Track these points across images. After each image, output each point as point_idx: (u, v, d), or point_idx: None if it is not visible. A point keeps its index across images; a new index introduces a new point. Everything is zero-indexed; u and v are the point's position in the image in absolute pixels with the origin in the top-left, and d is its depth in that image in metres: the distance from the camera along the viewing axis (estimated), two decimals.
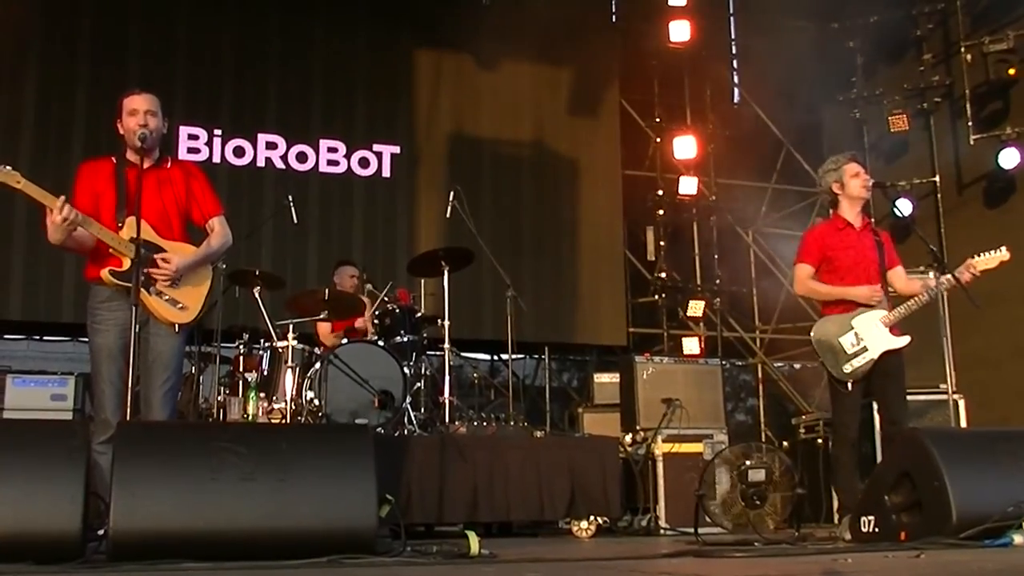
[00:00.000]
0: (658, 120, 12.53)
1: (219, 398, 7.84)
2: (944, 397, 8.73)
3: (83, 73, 10.27)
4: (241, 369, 7.91)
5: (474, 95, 11.88)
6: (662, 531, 7.79)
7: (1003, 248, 6.17)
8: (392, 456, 6.35)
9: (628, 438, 8.51)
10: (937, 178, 11.86)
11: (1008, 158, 10.66)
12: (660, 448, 8.15)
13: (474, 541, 4.57)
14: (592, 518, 7.11)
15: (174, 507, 4.10)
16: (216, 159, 10.71)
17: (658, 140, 12.46)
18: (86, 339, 5.26)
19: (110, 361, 5.06)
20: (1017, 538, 4.57)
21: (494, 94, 11.91)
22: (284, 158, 11.02)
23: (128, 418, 4.74)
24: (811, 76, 12.07)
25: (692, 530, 7.10)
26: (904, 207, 11.23)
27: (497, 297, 9.17)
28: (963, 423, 8.63)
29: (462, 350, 10.32)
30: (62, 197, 4.91)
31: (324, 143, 11.21)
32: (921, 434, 5.56)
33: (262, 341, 7.96)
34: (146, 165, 5.16)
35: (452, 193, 8.63)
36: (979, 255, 6.18)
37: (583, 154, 12.22)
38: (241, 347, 8.07)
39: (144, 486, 4.11)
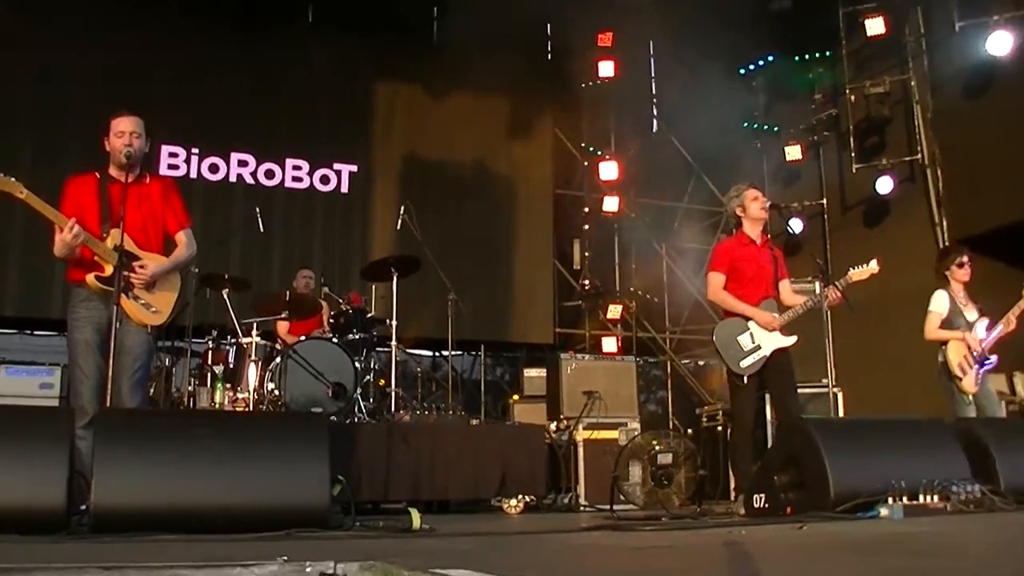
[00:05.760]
0: (585, 146, 12.63)
1: (190, 388, 7.79)
2: (825, 390, 8.87)
3: (76, 95, 10.12)
4: (210, 362, 7.86)
5: (424, 121, 11.89)
6: (582, 508, 7.81)
7: (873, 262, 6.32)
8: (344, 441, 6.33)
9: (553, 426, 8.54)
10: (824, 201, 12.08)
11: (884, 185, 10.91)
12: (581, 435, 8.19)
13: (416, 517, 4.59)
14: (520, 496, 7.14)
15: (150, 485, 4.08)
16: (193, 175, 10.64)
17: (586, 163, 12.55)
18: None
19: (87, 354, 5.03)
20: (883, 511, 4.66)
21: (442, 121, 11.93)
22: (254, 174, 10.98)
23: (107, 405, 4.72)
24: (720, 111, 12.23)
25: (608, 507, 7.19)
26: (796, 226, 11.42)
27: (440, 300, 9.17)
28: (841, 413, 8.78)
29: (407, 347, 10.31)
30: (73, 219, 4.95)
31: (290, 162, 11.19)
32: (806, 423, 5.67)
33: (229, 337, 7.92)
34: (128, 180, 5.14)
35: (403, 208, 8.65)
36: (854, 268, 6.32)
37: (519, 175, 12.28)
38: (210, 343, 8.01)
39: (123, 466, 4.09)
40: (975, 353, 6.90)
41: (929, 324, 7.09)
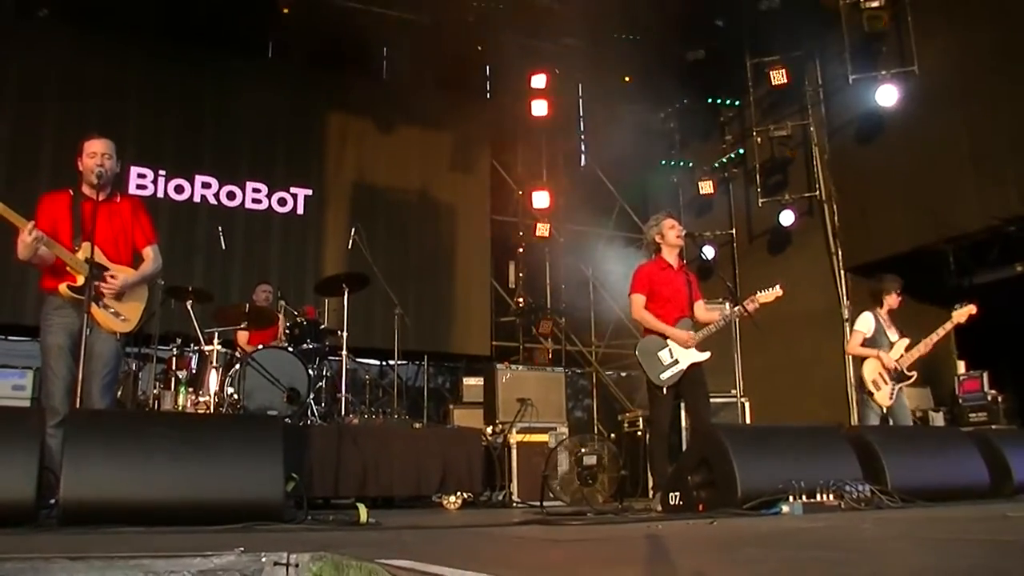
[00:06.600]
0: (520, 177, 12.68)
1: (154, 391, 7.60)
2: (734, 400, 9.02)
3: (49, 122, 9.92)
4: (174, 368, 7.68)
5: (373, 151, 11.81)
6: (514, 504, 7.82)
7: (777, 286, 6.39)
8: (297, 442, 6.26)
9: (489, 429, 8.54)
10: (734, 231, 12.25)
11: (786, 218, 11.09)
12: (514, 438, 8.21)
13: (363, 511, 4.54)
14: (459, 493, 7.11)
15: (115, 481, 3.99)
16: (160, 195, 10.44)
17: (520, 193, 12.58)
18: None
19: (59, 358, 4.94)
20: (784, 508, 4.71)
21: (390, 151, 11.87)
22: (216, 196, 10.80)
23: (77, 406, 4.62)
24: (640, 148, 12.36)
25: (538, 503, 7.19)
26: (708, 252, 11.59)
27: (387, 314, 9.12)
28: (748, 420, 8.90)
29: (357, 356, 10.21)
30: (32, 222, 4.87)
31: (250, 185, 11.03)
32: (716, 428, 5.72)
33: (192, 345, 7.77)
34: (100, 198, 5.06)
35: (353, 229, 8.62)
36: (760, 291, 6.39)
37: (459, 202, 12.26)
38: (174, 349, 7.83)
39: (90, 463, 4.00)
40: (891, 370, 7.03)
41: (852, 341, 7.22)
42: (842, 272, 10.51)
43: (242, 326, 7.69)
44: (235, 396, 7.04)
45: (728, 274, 11.45)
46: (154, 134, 10.54)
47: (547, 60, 12.08)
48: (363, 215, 10.75)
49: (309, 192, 11.39)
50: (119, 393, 7.29)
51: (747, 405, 9.07)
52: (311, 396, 7.36)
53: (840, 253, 10.61)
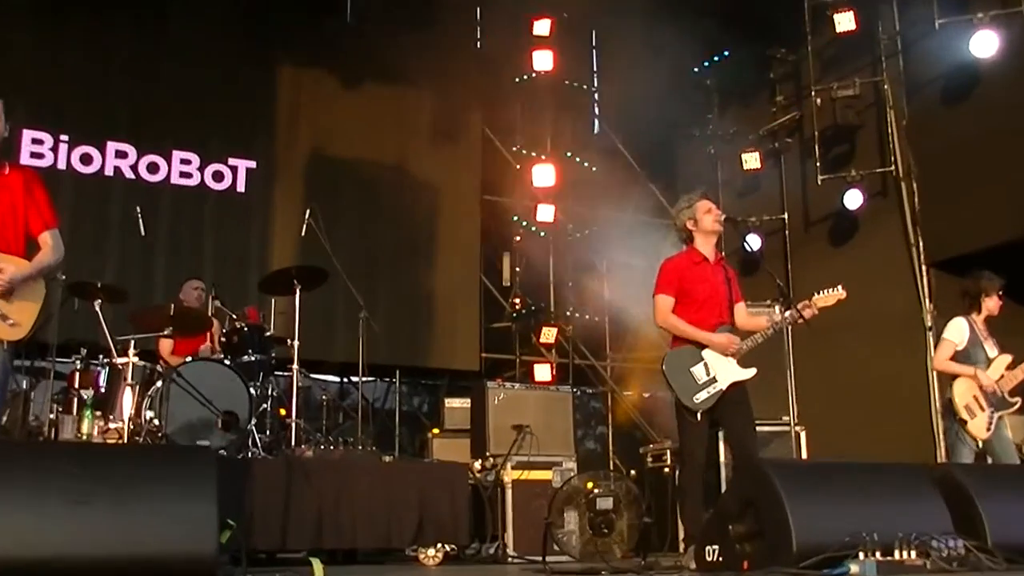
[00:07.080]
0: (518, 148, 12.64)
1: (51, 416, 7.55)
2: (786, 429, 8.96)
3: None
4: (76, 386, 7.62)
5: (335, 114, 11.77)
6: (510, 559, 7.79)
7: (840, 287, 6.33)
8: (235, 479, 6.21)
9: (478, 464, 8.51)
10: (786, 215, 12.22)
11: (852, 199, 11.02)
12: (509, 475, 8.17)
13: (318, 569, 4.50)
14: (440, 545, 7.07)
15: None
16: (62, 166, 10.36)
17: (518, 167, 12.54)
18: None
19: None
20: (853, 567, 4.66)
21: (356, 114, 11.83)
22: (134, 168, 10.73)
23: None
24: (670, 112, 12.32)
25: (540, 558, 7.12)
26: (753, 242, 11.55)
27: (350, 318, 9.09)
28: (804, 454, 8.85)
29: (311, 371, 10.14)
30: None
31: (177, 154, 10.97)
32: (764, 464, 5.66)
33: (100, 357, 7.71)
34: None
35: (308, 212, 8.58)
36: (819, 293, 6.33)
37: (443, 178, 12.24)
38: (78, 363, 7.78)
39: None
40: (989, 393, 6.95)
41: (940, 353, 7.17)
42: (924, 268, 10.47)
43: (166, 332, 7.64)
44: (156, 422, 7.03)
45: (778, 270, 11.43)
46: (54, 90, 10.43)
47: (552, 0, 12.04)
48: (321, 194, 10.66)
49: (252, 164, 11.34)
50: (4, 418, 7.24)
51: (803, 435, 9.03)
52: (253, 422, 7.33)
53: (921, 244, 10.58)
